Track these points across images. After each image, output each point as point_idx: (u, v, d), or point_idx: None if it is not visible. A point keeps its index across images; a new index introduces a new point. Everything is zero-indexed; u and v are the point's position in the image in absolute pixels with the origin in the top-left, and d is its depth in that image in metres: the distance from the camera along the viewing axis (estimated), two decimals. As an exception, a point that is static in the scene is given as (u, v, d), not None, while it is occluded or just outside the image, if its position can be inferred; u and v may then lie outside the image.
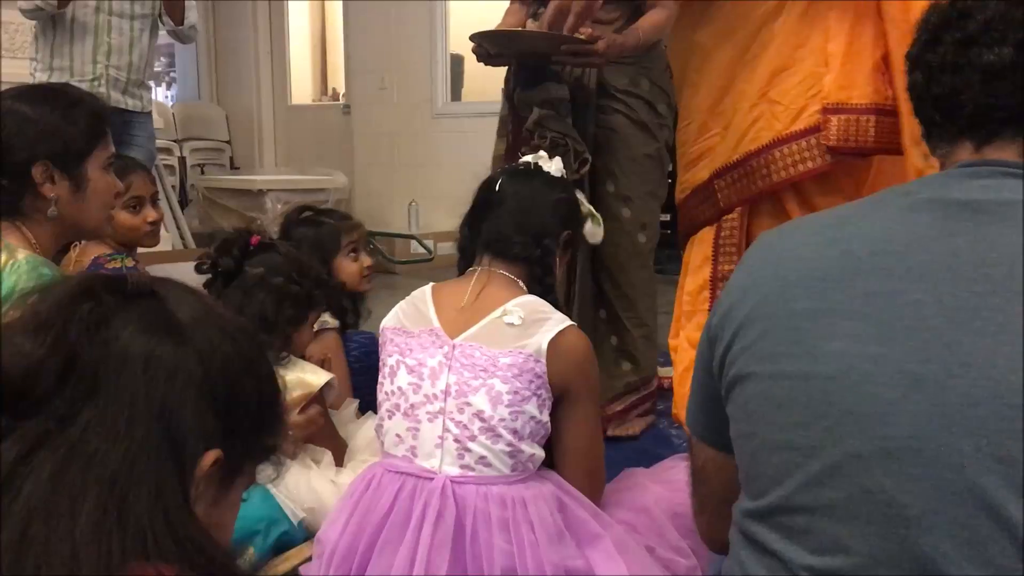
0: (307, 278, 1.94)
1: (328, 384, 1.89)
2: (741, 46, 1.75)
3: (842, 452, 0.79)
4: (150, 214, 2.41)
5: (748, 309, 0.89)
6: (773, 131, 1.73)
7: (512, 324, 1.51)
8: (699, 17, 1.82)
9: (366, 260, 2.42)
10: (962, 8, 0.87)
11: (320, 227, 2.37)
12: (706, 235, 1.87)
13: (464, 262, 1.70)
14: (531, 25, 2.34)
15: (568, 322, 1.54)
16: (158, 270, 2.63)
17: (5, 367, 0.67)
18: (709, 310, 1.81)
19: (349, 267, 2.37)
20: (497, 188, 1.68)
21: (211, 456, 0.74)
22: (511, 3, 2.50)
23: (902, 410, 0.77)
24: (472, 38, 2.27)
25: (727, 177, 1.79)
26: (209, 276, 1.92)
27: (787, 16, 1.71)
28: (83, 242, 2.37)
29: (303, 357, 1.97)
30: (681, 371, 1.89)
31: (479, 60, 2.31)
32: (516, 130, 2.38)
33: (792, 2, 1.70)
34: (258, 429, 0.80)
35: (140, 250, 2.50)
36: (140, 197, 2.38)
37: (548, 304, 1.57)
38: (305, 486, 1.74)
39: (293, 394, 1.83)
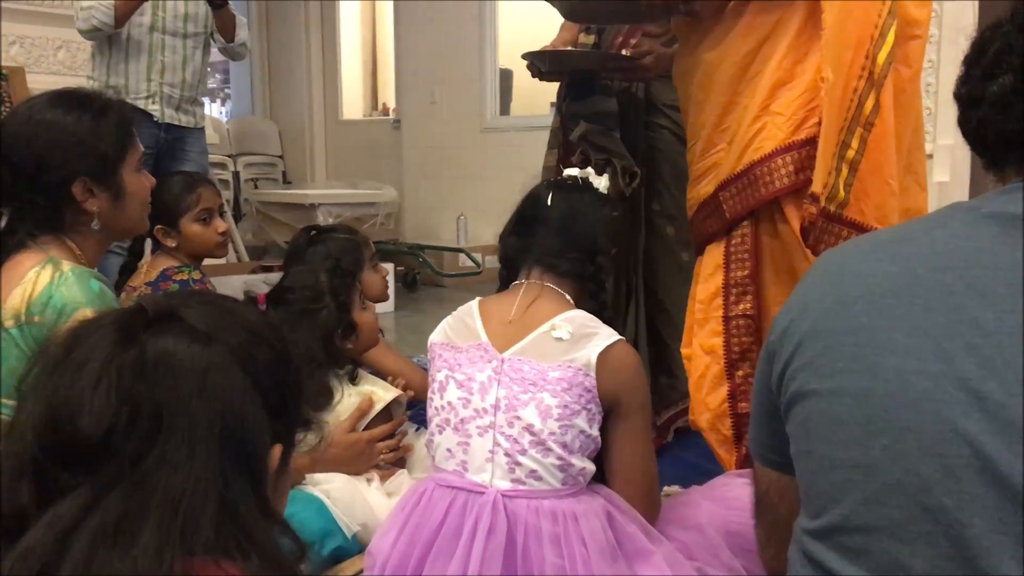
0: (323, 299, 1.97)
1: (396, 401, 1.92)
2: (743, 63, 1.80)
3: (901, 470, 0.78)
4: (220, 225, 2.44)
5: (808, 325, 0.89)
6: (776, 140, 1.77)
7: (560, 339, 1.51)
8: (702, 36, 1.87)
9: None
10: (979, 42, 0.89)
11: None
12: (715, 246, 1.90)
13: (508, 275, 1.70)
14: (583, 39, 2.36)
15: (617, 336, 1.53)
16: (224, 282, 2.69)
17: (86, 431, 0.69)
18: (722, 317, 1.85)
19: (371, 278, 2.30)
20: (549, 202, 1.67)
21: (277, 452, 0.78)
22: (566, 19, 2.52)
23: (962, 428, 0.75)
24: (524, 56, 2.32)
25: (731, 188, 1.82)
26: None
27: (786, 32, 1.76)
28: (151, 255, 2.42)
29: (372, 370, 2.02)
30: (696, 378, 1.91)
31: (533, 76, 2.35)
32: (566, 141, 2.41)
33: (790, 17, 1.75)
34: (301, 407, 0.85)
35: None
36: (209, 209, 2.41)
37: (596, 319, 1.56)
38: (360, 501, 1.76)
39: (365, 407, 1.88)
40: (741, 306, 1.83)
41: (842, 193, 1.67)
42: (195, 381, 0.73)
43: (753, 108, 1.77)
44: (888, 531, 0.78)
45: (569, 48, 2.31)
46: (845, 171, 1.67)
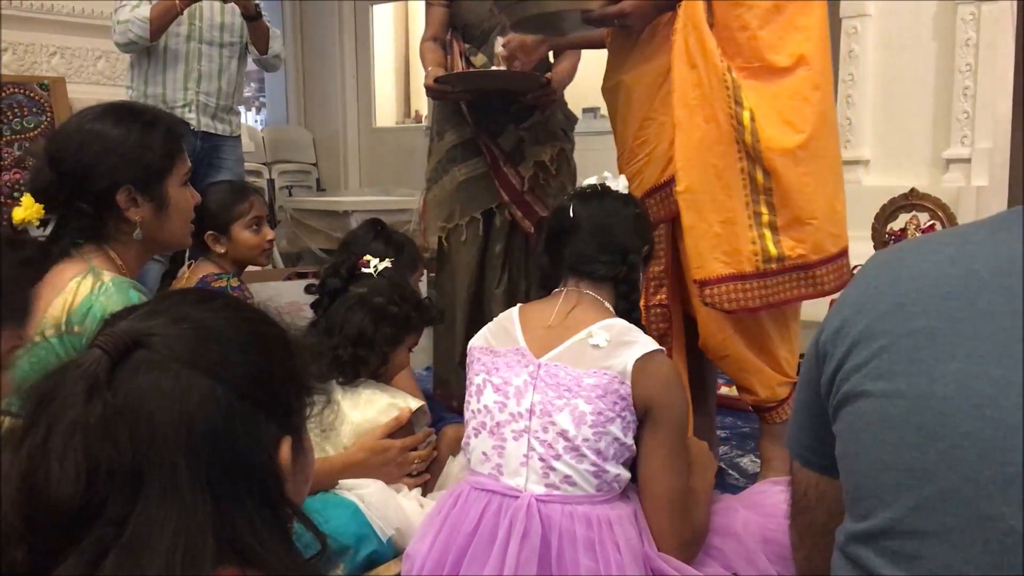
0: (406, 301, 1.97)
1: (420, 410, 1.92)
2: (657, 83, 2.01)
3: (959, 476, 0.76)
4: (268, 233, 2.52)
5: (863, 326, 0.87)
6: None
7: (597, 346, 1.51)
8: (623, 60, 2.10)
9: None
10: None
11: None
12: None
13: (545, 292, 1.70)
14: (475, 59, 2.66)
15: (655, 346, 1.53)
16: (259, 289, 2.73)
17: (61, 504, 0.66)
18: (643, 307, 2.00)
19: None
20: (571, 213, 1.68)
21: (285, 447, 0.75)
22: (423, 43, 2.82)
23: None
24: (443, 79, 2.53)
25: (655, 197, 2.03)
26: (317, 295, 1.99)
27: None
28: (193, 262, 2.46)
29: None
30: None
31: (430, 96, 2.66)
32: (490, 152, 2.67)
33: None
34: (300, 390, 0.81)
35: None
36: (260, 217, 2.49)
37: (636, 328, 1.56)
38: (394, 505, 1.76)
39: (383, 418, 1.87)
40: (657, 297, 2.08)
41: (773, 250, 1.88)
42: (168, 420, 0.68)
43: (669, 126, 1.96)
44: (940, 537, 0.77)
45: (497, 69, 2.48)
46: (768, 233, 1.89)
